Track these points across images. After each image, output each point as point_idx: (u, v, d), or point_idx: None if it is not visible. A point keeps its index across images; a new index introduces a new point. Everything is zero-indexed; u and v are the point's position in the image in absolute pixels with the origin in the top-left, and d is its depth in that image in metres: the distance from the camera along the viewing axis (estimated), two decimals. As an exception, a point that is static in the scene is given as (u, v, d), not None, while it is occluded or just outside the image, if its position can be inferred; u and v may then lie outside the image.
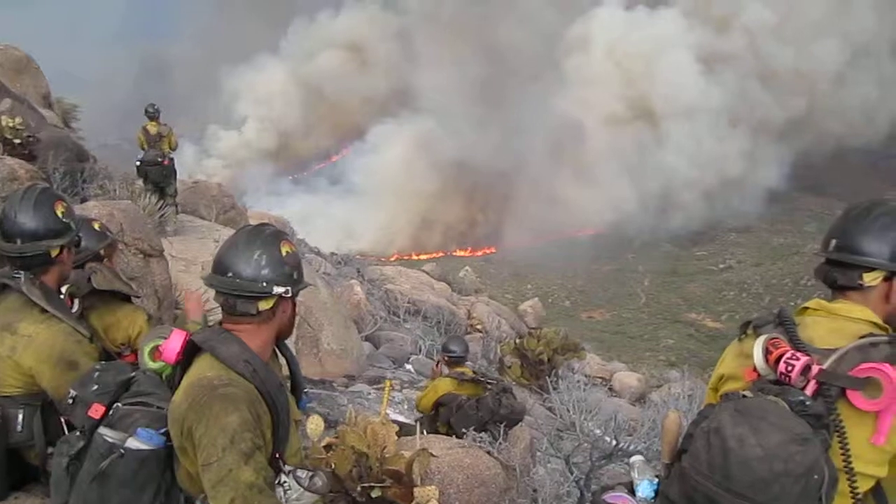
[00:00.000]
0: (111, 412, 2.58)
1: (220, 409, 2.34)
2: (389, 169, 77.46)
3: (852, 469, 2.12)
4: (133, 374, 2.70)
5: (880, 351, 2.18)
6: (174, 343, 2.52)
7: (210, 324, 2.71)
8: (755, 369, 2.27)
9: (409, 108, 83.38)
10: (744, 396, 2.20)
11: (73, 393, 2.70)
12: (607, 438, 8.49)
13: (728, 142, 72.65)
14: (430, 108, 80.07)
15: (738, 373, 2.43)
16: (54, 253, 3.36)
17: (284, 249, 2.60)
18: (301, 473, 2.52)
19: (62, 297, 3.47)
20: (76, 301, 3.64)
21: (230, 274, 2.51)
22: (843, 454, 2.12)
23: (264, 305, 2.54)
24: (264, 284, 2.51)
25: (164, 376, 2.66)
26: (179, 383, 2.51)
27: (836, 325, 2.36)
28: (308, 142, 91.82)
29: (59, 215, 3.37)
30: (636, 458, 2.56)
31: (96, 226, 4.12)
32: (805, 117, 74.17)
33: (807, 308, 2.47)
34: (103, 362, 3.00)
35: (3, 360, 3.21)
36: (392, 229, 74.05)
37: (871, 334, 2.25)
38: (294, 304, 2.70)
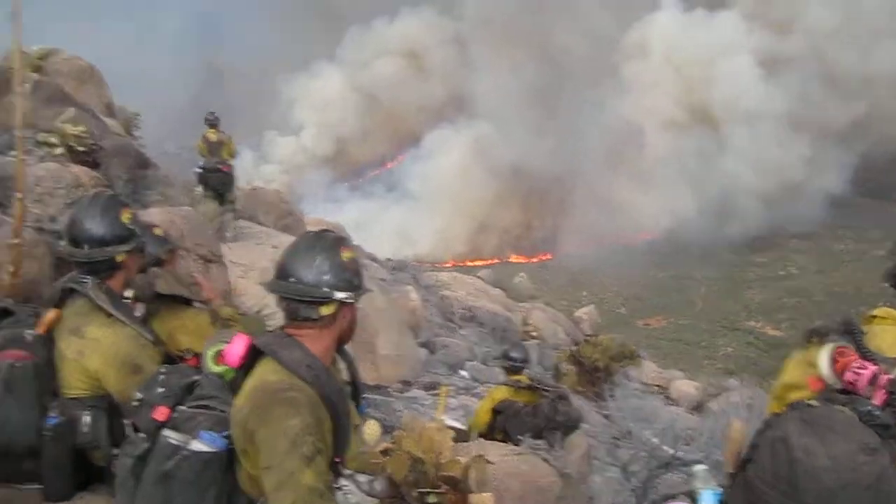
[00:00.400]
0: (175, 415, 2.63)
1: (282, 413, 2.38)
2: (445, 174, 77.49)
3: None
4: (196, 377, 2.74)
5: None
6: (237, 347, 2.56)
7: (269, 328, 2.74)
8: (820, 378, 2.24)
9: (466, 113, 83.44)
10: (810, 406, 2.16)
11: (138, 395, 2.74)
12: (665, 447, 8.40)
13: (789, 147, 71.41)
14: (487, 113, 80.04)
15: (802, 381, 2.39)
16: (120, 258, 3.42)
17: (346, 255, 2.62)
18: (361, 478, 2.55)
19: (126, 301, 3.54)
20: (139, 305, 3.72)
21: (292, 279, 2.55)
22: None
23: (326, 311, 2.57)
24: (326, 290, 2.54)
25: (226, 380, 2.69)
26: (241, 387, 2.55)
27: None
28: (364, 147, 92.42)
29: (125, 222, 3.44)
30: (699, 468, 2.54)
31: (158, 231, 4.20)
32: (866, 121, 72.61)
33: (874, 316, 2.42)
34: (168, 365, 3.04)
35: (70, 362, 3.28)
36: (448, 235, 74.07)
37: None
38: (355, 310, 2.72)
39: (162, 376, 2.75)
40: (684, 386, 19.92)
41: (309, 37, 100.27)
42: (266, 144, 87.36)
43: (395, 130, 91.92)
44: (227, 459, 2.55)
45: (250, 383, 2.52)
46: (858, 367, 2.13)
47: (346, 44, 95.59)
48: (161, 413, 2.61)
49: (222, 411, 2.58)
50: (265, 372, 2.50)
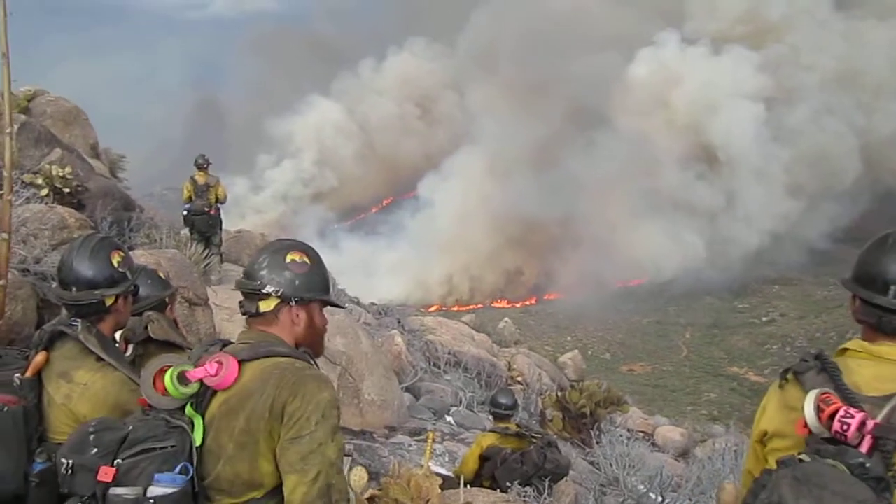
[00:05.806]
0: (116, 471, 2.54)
1: (314, 386, 2.48)
2: (439, 220, 77.44)
3: None
4: (129, 427, 2.65)
5: None
6: (233, 366, 2.56)
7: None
8: (805, 424, 2.21)
9: (463, 158, 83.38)
10: (800, 461, 2.14)
11: (69, 462, 2.61)
12: (652, 495, 8.37)
13: (788, 202, 71.84)
14: (485, 158, 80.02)
15: (785, 429, 2.38)
16: (109, 302, 3.38)
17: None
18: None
19: (117, 343, 3.50)
20: (130, 346, 3.68)
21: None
22: None
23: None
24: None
25: (191, 403, 2.63)
26: (208, 405, 2.59)
27: (881, 369, 2.31)
28: (358, 189, 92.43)
29: (115, 265, 3.41)
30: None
31: (161, 274, 4.19)
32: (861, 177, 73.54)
33: (846, 349, 2.42)
34: (95, 421, 2.91)
35: (57, 407, 3.23)
36: (438, 279, 74.03)
37: None
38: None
39: (92, 435, 2.64)
40: (669, 432, 19.90)
41: (303, 76, 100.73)
42: (259, 174, 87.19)
43: (391, 173, 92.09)
44: (191, 494, 2.50)
45: (248, 374, 2.55)
46: (845, 416, 2.11)
47: (338, 86, 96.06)
48: (106, 473, 2.51)
49: (163, 448, 2.52)
50: (260, 363, 2.57)
